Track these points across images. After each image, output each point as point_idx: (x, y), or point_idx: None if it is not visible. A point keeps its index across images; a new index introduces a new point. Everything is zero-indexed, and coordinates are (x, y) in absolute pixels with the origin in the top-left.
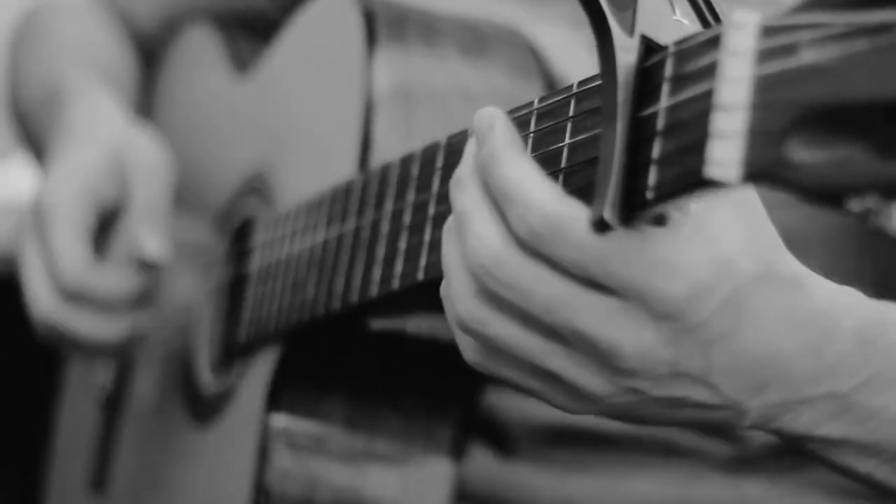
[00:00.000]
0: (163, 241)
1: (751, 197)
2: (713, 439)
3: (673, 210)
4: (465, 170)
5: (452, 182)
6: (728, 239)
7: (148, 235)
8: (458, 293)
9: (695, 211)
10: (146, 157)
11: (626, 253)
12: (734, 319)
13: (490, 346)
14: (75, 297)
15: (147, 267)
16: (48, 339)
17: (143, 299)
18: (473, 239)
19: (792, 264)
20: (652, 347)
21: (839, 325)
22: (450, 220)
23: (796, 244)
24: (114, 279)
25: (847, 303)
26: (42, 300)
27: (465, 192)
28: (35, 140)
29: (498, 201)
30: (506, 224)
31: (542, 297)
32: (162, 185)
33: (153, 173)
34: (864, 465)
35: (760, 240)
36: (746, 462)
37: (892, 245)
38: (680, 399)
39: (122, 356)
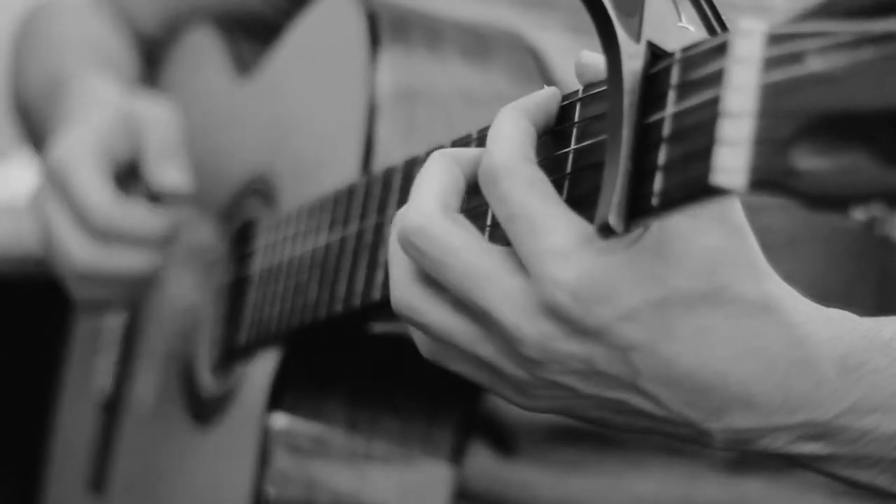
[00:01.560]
0: (182, 172)
1: (726, 208)
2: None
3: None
4: (447, 150)
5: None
6: (663, 254)
7: (167, 168)
8: (394, 279)
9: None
10: (154, 110)
11: (544, 237)
12: (654, 333)
13: (431, 335)
14: (108, 234)
15: (171, 198)
16: (85, 294)
17: (170, 234)
18: (411, 205)
19: (764, 288)
20: (549, 338)
21: (818, 354)
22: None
23: (796, 245)
24: (142, 213)
25: (831, 330)
26: (76, 247)
27: (430, 162)
28: (37, 131)
29: (451, 172)
30: (442, 197)
31: (455, 268)
32: (173, 129)
33: (163, 121)
34: (863, 476)
35: (716, 260)
36: (746, 462)
37: (891, 246)
38: (619, 402)
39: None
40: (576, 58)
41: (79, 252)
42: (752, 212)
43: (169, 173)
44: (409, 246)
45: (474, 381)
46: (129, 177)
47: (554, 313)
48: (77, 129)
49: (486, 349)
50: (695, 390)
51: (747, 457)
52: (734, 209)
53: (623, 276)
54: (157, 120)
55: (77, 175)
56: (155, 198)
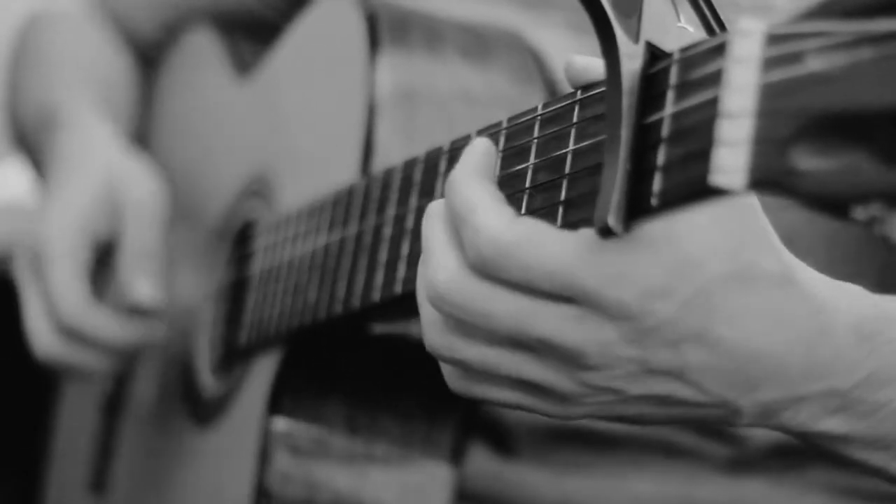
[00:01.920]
0: (154, 284)
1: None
2: (713, 440)
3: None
4: (435, 202)
5: (425, 214)
6: (694, 241)
7: (139, 280)
8: (425, 322)
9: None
10: (138, 193)
11: (573, 266)
12: (704, 319)
13: (466, 368)
14: (73, 334)
15: (140, 311)
16: (47, 366)
17: (136, 346)
18: (431, 267)
19: (783, 260)
20: (614, 344)
21: (834, 321)
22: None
23: (796, 245)
24: (109, 322)
25: (844, 299)
26: (42, 338)
27: (429, 220)
28: (32, 156)
29: (456, 226)
30: (461, 249)
31: (501, 315)
32: (153, 223)
33: (144, 211)
34: (876, 459)
35: (741, 239)
36: (746, 462)
37: (891, 246)
38: (665, 397)
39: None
40: (566, 61)
41: (43, 340)
42: None
43: (140, 287)
44: (446, 306)
45: (507, 404)
46: (108, 253)
47: (615, 318)
48: (62, 201)
49: (530, 370)
50: (734, 369)
51: (747, 457)
52: None
53: (671, 271)
54: (138, 207)
55: (54, 267)
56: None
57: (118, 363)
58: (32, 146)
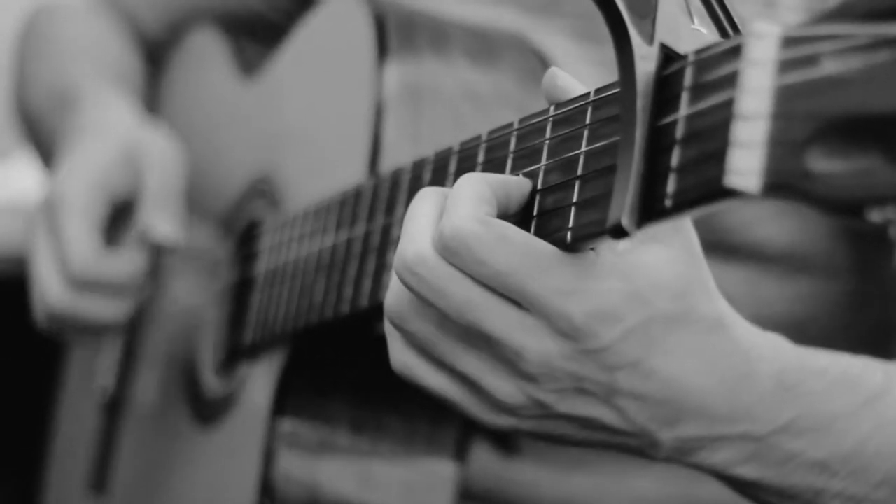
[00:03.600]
0: (175, 224)
1: (691, 243)
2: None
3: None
4: (428, 187)
5: (417, 193)
6: (648, 277)
7: (160, 218)
8: (389, 288)
9: (624, 248)
10: (158, 149)
11: (532, 273)
12: (643, 350)
13: (411, 342)
14: (84, 285)
15: (159, 249)
16: (51, 328)
17: (149, 278)
18: (407, 238)
19: (718, 307)
20: (554, 357)
21: (758, 369)
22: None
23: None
24: (122, 264)
25: (769, 348)
26: (52, 289)
27: (421, 196)
28: (43, 142)
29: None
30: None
31: (455, 297)
32: (175, 173)
33: (166, 163)
34: None
35: (687, 282)
36: None
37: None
38: (589, 420)
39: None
40: (549, 71)
41: (56, 293)
42: (748, 225)
43: (161, 224)
44: (406, 274)
45: (440, 396)
46: (125, 211)
47: (559, 333)
48: (80, 159)
49: (471, 364)
50: (660, 401)
51: None
52: (694, 239)
53: (623, 299)
54: (159, 160)
55: (67, 219)
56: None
57: (127, 311)
58: (43, 133)
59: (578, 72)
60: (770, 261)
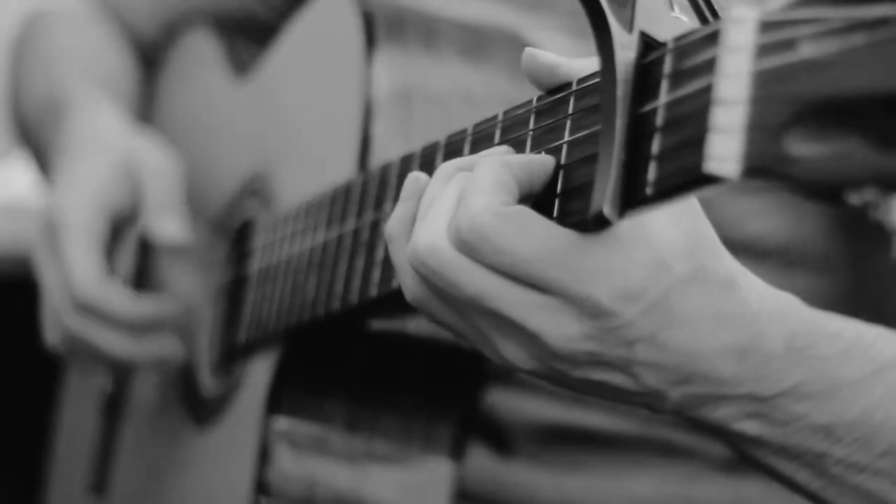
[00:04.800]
0: (180, 223)
1: (694, 202)
2: (712, 439)
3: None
4: (451, 162)
5: (436, 171)
6: (663, 241)
7: (164, 220)
8: (402, 270)
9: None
10: (154, 159)
11: (554, 259)
12: (662, 320)
13: (430, 287)
14: (88, 309)
15: (170, 249)
16: (59, 350)
17: (156, 325)
18: (423, 223)
19: (728, 265)
20: (575, 339)
21: (769, 330)
22: (428, 187)
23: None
24: (121, 299)
25: (780, 309)
26: (59, 313)
27: (439, 179)
28: (37, 150)
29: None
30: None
31: (469, 288)
32: (173, 182)
33: (163, 173)
34: (784, 467)
35: (695, 240)
36: (745, 463)
37: (888, 253)
38: (602, 383)
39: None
40: (527, 52)
41: (61, 316)
42: (742, 219)
43: (167, 225)
44: (419, 264)
45: (451, 329)
46: (126, 223)
47: (582, 314)
48: (78, 175)
49: (485, 328)
50: (673, 366)
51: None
52: (692, 199)
53: (647, 272)
54: (157, 170)
55: (70, 244)
56: (146, 250)
57: (128, 351)
58: (37, 141)
59: None
60: (765, 255)
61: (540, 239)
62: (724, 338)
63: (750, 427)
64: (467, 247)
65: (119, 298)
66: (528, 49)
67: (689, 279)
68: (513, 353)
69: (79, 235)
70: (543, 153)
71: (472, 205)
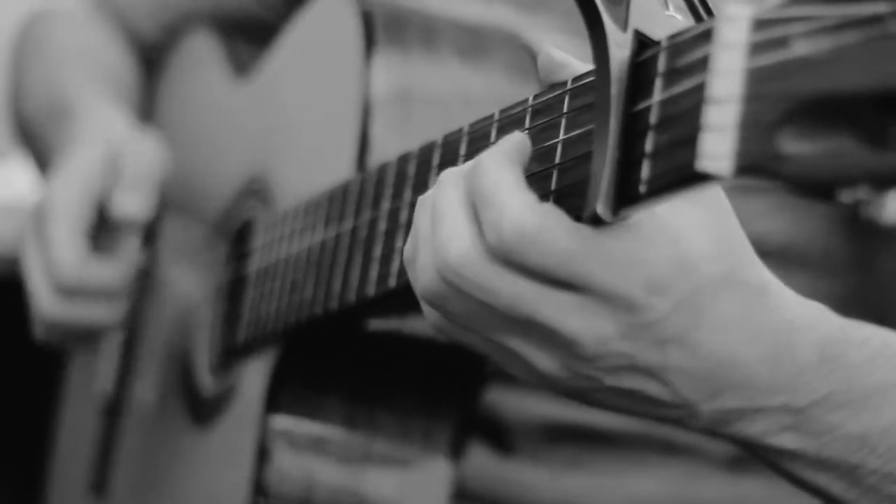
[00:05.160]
0: (142, 201)
1: (721, 201)
2: (713, 438)
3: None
4: (453, 171)
5: (440, 177)
6: (692, 240)
7: (128, 196)
8: (423, 267)
9: (662, 211)
10: (138, 145)
11: (587, 253)
12: (692, 320)
13: (450, 317)
14: (72, 292)
15: (127, 227)
16: (47, 338)
17: (139, 279)
18: (444, 234)
19: (760, 272)
20: (610, 338)
21: (802, 339)
22: (427, 196)
23: (792, 254)
24: (108, 269)
25: (812, 318)
26: (43, 299)
27: (447, 190)
28: (38, 151)
29: (476, 205)
30: (478, 227)
31: (505, 294)
32: (152, 163)
33: (144, 153)
34: (819, 479)
35: (727, 244)
36: (746, 461)
37: (889, 254)
38: (634, 392)
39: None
40: (543, 52)
41: (46, 302)
42: (743, 219)
43: (128, 199)
44: (450, 273)
45: (475, 350)
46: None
47: (618, 310)
48: (68, 166)
49: (515, 343)
50: (706, 374)
51: (747, 456)
52: (722, 196)
53: (673, 266)
54: (138, 153)
55: (52, 226)
56: (146, 245)
57: (120, 312)
58: (39, 142)
59: None
60: (767, 256)
61: (574, 236)
62: (758, 346)
63: (786, 441)
64: (512, 251)
65: (101, 273)
66: (546, 49)
67: (720, 283)
68: (546, 363)
69: (62, 221)
70: (520, 134)
71: (507, 206)
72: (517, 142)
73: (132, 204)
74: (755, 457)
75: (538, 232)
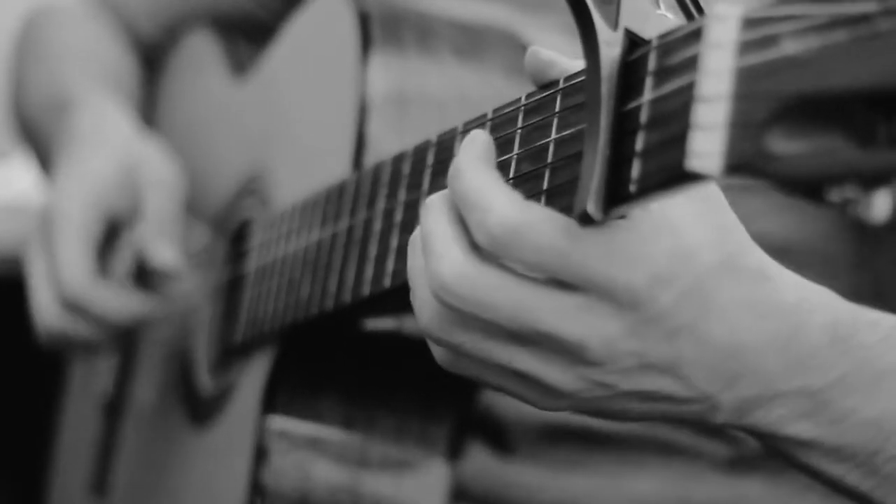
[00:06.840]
0: (175, 250)
1: (714, 192)
2: (712, 439)
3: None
4: (432, 197)
5: (423, 205)
6: (689, 230)
7: (161, 244)
8: (422, 302)
9: (656, 204)
10: (159, 171)
11: (585, 248)
12: (698, 309)
13: (457, 351)
14: (75, 308)
15: (161, 276)
16: (49, 344)
17: (136, 321)
18: (434, 257)
19: (759, 257)
20: (617, 338)
21: (810, 320)
22: (416, 233)
23: (791, 252)
24: (111, 298)
25: (819, 299)
26: (45, 308)
27: (431, 212)
28: (40, 147)
29: (460, 212)
30: (466, 235)
31: (505, 306)
32: (174, 198)
33: (166, 187)
34: (835, 469)
35: (723, 231)
36: (745, 462)
37: (888, 255)
38: (651, 392)
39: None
40: (530, 51)
41: (48, 312)
42: (743, 219)
43: (164, 251)
44: (448, 296)
45: (490, 385)
46: (121, 228)
47: (621, 306)
48: (77, 173)
49: (524, 362)
50: (718, 363)
51: (746, 456)
52: (716, 189)
53: (673, 258)
54: (160, 183)
55: (61, 238)
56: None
57: (116, 337)
58: (40, 139)
59: None
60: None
61: (570, 232)
62: (765, 329)
63: (804, 429)
64: (503, 248)
65: (106, 297)
66: (531, 48)
67: (720, 269)
68: (558, 377)
69: (72, 232)
70: (484, 133)
71: (492, 205)
72: (486, 141)
73: (166, 255)
74: (773, 451)
75: (526, 225)
